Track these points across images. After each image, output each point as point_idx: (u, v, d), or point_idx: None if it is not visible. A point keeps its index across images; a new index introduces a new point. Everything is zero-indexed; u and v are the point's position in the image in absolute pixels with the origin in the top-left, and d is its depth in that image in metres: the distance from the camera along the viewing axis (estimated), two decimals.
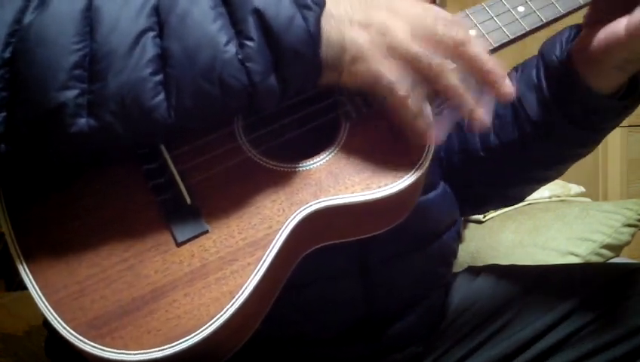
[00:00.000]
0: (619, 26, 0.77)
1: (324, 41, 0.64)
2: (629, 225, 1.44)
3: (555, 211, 1.52)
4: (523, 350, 0.88)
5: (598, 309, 0.85)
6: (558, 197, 1.65)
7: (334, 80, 0.67)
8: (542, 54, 0.87)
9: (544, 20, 0.76)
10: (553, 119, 0.85)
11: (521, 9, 0.76)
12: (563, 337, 0.86)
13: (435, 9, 0.67)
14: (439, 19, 0.66)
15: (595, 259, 1.38)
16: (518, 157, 0.91)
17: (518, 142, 0.89)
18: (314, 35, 0.63)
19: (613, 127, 0.89)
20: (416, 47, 0.65)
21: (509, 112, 0.89)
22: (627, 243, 1.44)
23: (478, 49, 0.66)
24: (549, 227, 1.44)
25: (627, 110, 0.85)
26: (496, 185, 0.97)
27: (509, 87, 0.68)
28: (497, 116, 0.90)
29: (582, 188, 1.72)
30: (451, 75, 0.66)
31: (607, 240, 1.40)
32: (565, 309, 0.87)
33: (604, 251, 1.40)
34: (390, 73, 0.65)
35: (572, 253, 1.38)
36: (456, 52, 0.66)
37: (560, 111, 0.85)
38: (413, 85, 0.65)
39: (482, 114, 0.68)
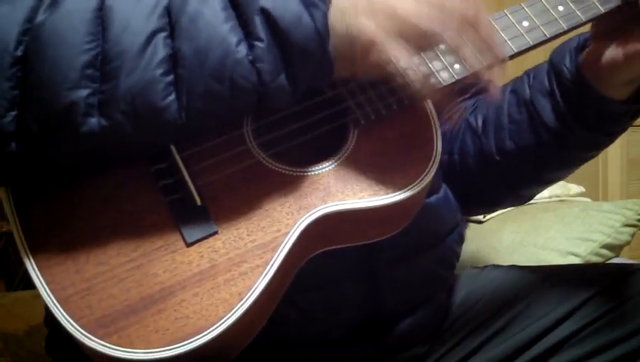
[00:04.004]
0: (617, 51, 0.80)
1: (333, 36, 0.64)
2: (629, 225, 1.43)
3: (555, 211, 1.51)
4: (524, 350, 0.88)
5: (598, 309, 0.86)
6: (558, 197, 1.65)
7: (348, 71, 0.68)
8: (552, 63, 0.88)
9: (547, 36, 0.77)
10: (568, 125, 0.86)
11: (525, 24, 0.77)
12: (564, 337, 0.86)
13: None
14: None
15: (595, 259, 1.38)
16: (533, 161, 0.91)
17: (534, 147, 0.89)
18: (322, 33, 0.63)
19: (626, 129, 0.90)
20: (427, 25, 0.65)
21: (525, 118, 0.89)
22: (627, 243, 1.44)
23: (485, 26, 0.67)
24: (549, 227, 1.44)
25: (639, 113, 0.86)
26: (510, 187, 0.98)
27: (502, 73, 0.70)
28: (513, 121, 0.91)
29: (582, 188, 1.72)
30: (467, 50, 0.67)
31: (607, 240, 1.40)
32: (566, 309, 0.87)
33: (604, 251, 1.40)
34: (403, 57, 0.65)
35: (572, 253, 1.38)
36: (464, 27, 0.66)
37: (574, 117, 0.85)
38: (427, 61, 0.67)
39: (495, 87, 0.69)
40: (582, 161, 0.94)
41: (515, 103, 0.91)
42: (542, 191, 1.04)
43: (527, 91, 0.90)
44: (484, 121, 0.95)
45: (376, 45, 0.65)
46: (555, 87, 0.86)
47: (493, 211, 1.08)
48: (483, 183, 0.97)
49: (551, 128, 0.87)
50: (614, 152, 2.23)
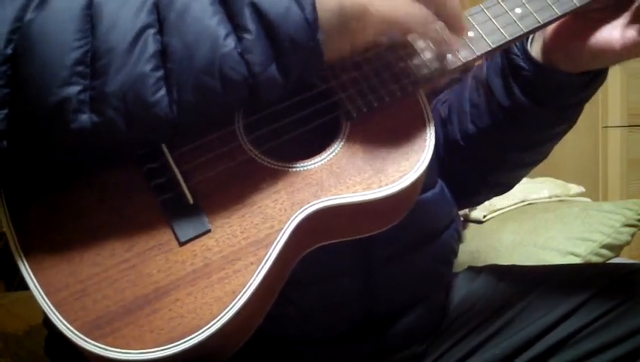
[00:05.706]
0: (612, 36, 0.79)
1: (324, 16, 0.64)
2: (629, 225, 1.44)
3: (555, 211, 1.52)
4: (523, 350, 0.88)
5: (598, 309, 0.86)
6: (558, 197, 1.65)
7: (347, 48, 0.68)
8: None
9: (541, 22, 0.77)
10: (519, 102, 0.86)
11: (518, 11, 0.76)
12: (563, 337, 0.86)
13: None
14: None
15: (595, 259, 1.38)
16: (493, 142, 0.92)
17: (491, 128, 0.90)
18: (311, 23, 0.63)
19: (579, 105, 0.88)
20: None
21: (483, 100, 0.91)
22: (627, 243, 1.45)
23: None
24: (549, 227, 1.45)
25: (590, 85, 0.85)
26: (478, 173, 0.98)
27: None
28: (474, 105, 0.92)
29: (582, 188, 1.72)
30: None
31: (607, 240, 1.40)
32: (565, 309, 0.87)
33: (604, 251, 1.40)
34: (399, 14, 0.67)
35: (572, 253, 1.38)
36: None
37: (524, 93, 0.86)
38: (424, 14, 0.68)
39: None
40: (541, 140, 0.93)
41: (474, 87, 0.92)
42: (517, 178, 1.03)
43: (484, 72, 0.90)
44: (449, 109, 0.96)
45: (369, 12, 0.66)
46: (506, 64, 0.87)
47: (475, 204, 1.07)
48: (455, 173, 0.98)
49: (504, 107, 0.88)
50: (614, 152, 2.23)
